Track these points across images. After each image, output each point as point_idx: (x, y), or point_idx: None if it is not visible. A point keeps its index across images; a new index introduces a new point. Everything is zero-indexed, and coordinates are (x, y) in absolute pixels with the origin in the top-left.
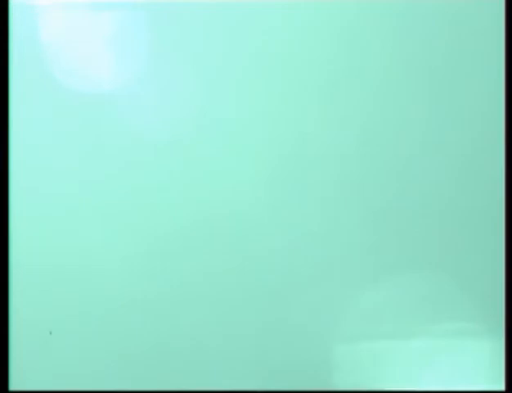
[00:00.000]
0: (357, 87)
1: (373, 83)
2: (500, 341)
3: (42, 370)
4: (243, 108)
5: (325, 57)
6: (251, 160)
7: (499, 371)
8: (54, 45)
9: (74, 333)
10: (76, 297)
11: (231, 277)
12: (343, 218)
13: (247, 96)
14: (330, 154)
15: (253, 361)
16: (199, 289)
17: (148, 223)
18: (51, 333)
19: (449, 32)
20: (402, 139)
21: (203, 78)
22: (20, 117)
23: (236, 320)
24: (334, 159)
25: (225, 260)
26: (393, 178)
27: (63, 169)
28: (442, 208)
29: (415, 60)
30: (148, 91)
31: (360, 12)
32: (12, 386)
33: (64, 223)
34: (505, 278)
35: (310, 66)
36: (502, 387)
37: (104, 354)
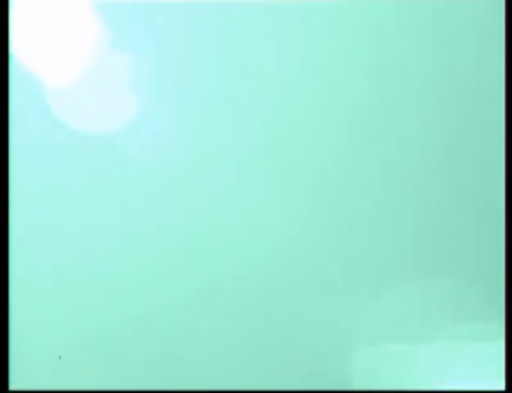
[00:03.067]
0: (354, 87)
1: (372, 83)
2: None
3: (42, 370)
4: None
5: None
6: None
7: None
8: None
9: (73, 333)
10: (75, 297)
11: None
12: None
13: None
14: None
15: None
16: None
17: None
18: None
19: (449, 32)
20: (401, 142)
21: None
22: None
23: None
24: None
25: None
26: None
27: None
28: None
29: (414, 61)
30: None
31: (359, 13)
32: (12, 386)
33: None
34: (504, 278)
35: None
36: None
37: (104, 353)
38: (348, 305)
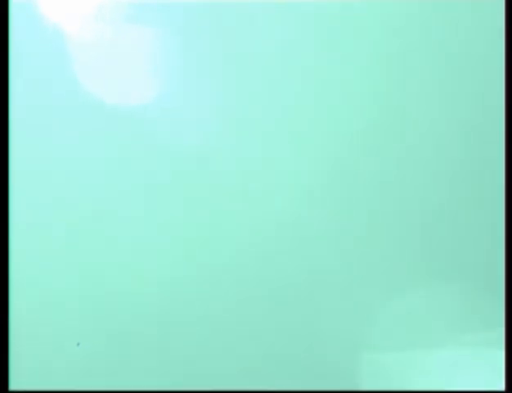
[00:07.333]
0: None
1: (372, 84)
2: None
3: (42, 370)
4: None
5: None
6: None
7: None
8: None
9: (74, 333)
10: (77, 293)
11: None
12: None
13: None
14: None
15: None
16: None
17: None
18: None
19: (449, 32)
20: (403, 141)
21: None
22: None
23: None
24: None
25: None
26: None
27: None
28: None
29: (414, 61)
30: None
31: (358, 13)
32: (12, 386)
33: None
34: (505, 278)
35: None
36: None
37: (104, 353)
38: (353, 311)
